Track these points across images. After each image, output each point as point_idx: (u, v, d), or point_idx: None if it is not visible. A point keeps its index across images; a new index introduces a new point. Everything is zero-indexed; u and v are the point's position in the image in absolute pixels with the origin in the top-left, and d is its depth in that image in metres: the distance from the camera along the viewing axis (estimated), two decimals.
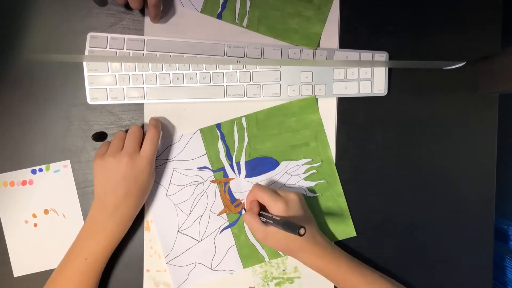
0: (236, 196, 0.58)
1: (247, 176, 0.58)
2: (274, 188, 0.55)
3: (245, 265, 0.58)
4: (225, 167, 0.57)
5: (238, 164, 0.57)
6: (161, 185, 0.57)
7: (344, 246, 0.58)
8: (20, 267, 0.57)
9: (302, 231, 0.43)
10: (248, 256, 0.58)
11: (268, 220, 0.49)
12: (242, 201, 0.58)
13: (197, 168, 0.57)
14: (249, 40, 0.56)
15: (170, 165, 0.57)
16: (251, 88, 0.56)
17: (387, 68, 0.57)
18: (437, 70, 0.58)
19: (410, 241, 0.58)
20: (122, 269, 0.57)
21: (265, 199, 0.51)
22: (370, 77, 0.57)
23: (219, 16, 0.56)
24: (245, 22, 0.56)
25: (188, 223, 0.57)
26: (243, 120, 0.57)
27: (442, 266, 0.58)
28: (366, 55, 0.56)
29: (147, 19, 0.56)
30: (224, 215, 0.58)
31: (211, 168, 0.57)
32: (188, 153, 0.57)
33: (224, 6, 0.56)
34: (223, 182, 0.58)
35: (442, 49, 0.58)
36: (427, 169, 0.58)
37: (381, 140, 0.58)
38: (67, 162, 0.57)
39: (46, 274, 0.57)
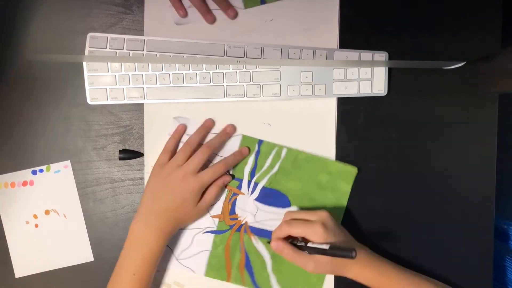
0: (237, 211, 0.57)
1: (257, 199, 0.57)
2: (297, 211, 0.55)
3: (207, 274, 0.57)
4: (243, 180, 0.57)
5: (256, 184, 0.57)
6: None
7: None
8: (22, 268, 0.57)
9: (354, 253, 0.42)
10: (215, 268, 0.57)
11: (313, 253, 0.48)
12: (239, 219, 0.57)
13: None
14: (249, 40, 0.56)
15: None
16: (251, 88, 0.56)
17: (387, 68, 0.57)
18: (437, 70, 0.57)
19: (410, 241, 0.58)
20: None
21: (301, 231, 0.50)
22: (370, 77, 0.57)
23: (263, 1, 0.56)
24: None
25: None
26: (284, 151, 0.57)
27: (442, 266, 0.58)
28: (366, 55, 0.56)
29: (146, 19, 0.56)
30: (217, 220, 0.57)
31: (231, 173, 0.57)
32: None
33: None
34: (233, 192, 0.57)
35: (442, 49, 0.57)
36: (427, 169, 0.58)
37: (381, 140, 0.58)
38: (68, 162, 0.57)
39: (47, 275, 0.57)
